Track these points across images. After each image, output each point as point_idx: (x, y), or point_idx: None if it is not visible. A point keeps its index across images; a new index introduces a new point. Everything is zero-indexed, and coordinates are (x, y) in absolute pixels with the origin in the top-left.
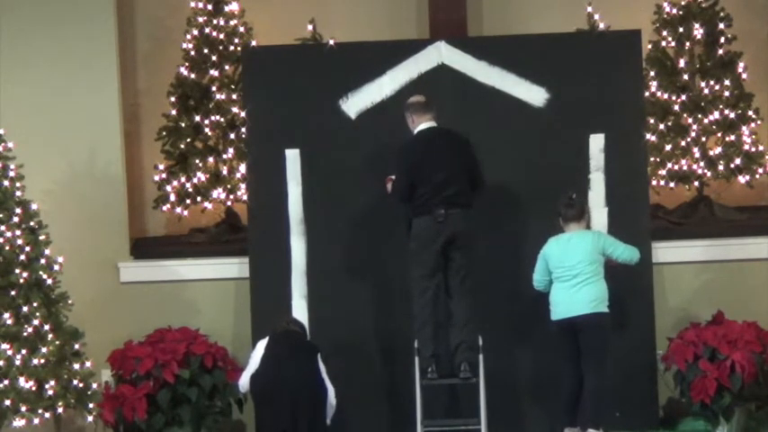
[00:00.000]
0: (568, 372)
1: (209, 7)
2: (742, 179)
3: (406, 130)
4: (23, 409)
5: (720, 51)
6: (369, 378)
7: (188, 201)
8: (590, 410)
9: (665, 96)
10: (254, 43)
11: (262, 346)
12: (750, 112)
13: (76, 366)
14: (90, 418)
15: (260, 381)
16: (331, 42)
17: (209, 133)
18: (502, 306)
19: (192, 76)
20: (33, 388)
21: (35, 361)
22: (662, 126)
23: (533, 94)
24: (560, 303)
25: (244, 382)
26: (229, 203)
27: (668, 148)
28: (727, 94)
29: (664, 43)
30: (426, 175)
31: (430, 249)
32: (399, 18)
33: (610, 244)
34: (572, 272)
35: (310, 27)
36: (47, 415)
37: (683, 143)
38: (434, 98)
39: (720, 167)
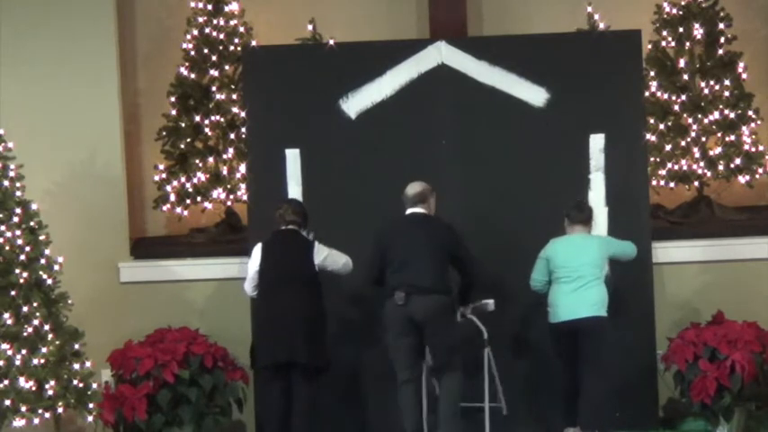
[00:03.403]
0: (567, 372)
1: (209, 7)
2: (742, 179)
3: (406, 130)
4: (23, 409)
5: (720, 51)
6: (368, 376)
7: (188, 201)
8: (590, 414)
9: (665, 96)
10: (254, 43)
11: (257, 254)
12: (750, 112)
13: (76, 366)
14: (90, 418)
15: (258, 310)
16: (331, 42)
17: (209, 133)
18: (502, 306)
19: (192, 76)
20: (33, 388)
21: (35, 361)
22: (662, 126)
23: (533, 94)
24: (562, 306)
25: (248, 288)
26: (229, 203)
27: (668, 148)
28: (727, 94)
29: (664, 43)
30: (392, 258)
31: (397, 337)
32: (399, 18)
33: (615, 247)
34: (576, 274)
35: (310, 27)
36: (47, 415)
37: (683, 143)
38: (434, 98)
39: (720, 167)
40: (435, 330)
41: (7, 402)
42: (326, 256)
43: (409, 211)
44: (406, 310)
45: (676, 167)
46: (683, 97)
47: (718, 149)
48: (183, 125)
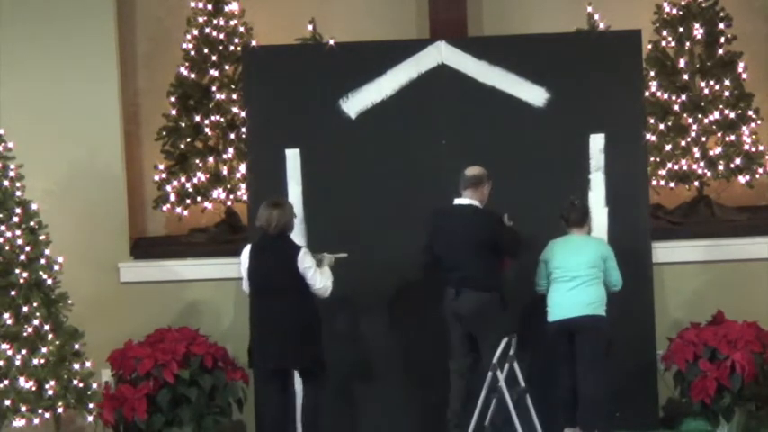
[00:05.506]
0: (565, 373)
1: (209, 7)
2: (742, 179)
3: (406, 130)
4: (23, 409)
5: (720, 51)
6: (368, 378)
7: (188, 201)
8: (589, 415)
9: (665, 96)
10: (254, 43)
11: (245, 257)
12: (750, 112)
13: (76, 366)
14: (90, 418)
15: (250, 314)
16: (331, 42)
17: (209, 133)
18: None
19: (192, 76)
20: (33, 388)
21: (35, 361)
22: (662, 126)
23: (533, 94)
24: (558, 305)
25: (245, 289)
26: (229, 203)
27: (668, 148)
28: (727, 94)
29: (664, 43)
30: (440, 255)
31: (450, 329)
32: (399, 18)
33: (610, 258)
34: (572, 273)
35: (310, 27)
36: (47, 415)
37: (683, 143)
38: (434, 98)
39: (720, 167)
40: (479, 327)
41: (7, 402)
42: (307, 268)
43: (456, 201)
44: (456, 305)
45: (676, 167)
46: (683, 97)
47: (718, 149)
48: (183, 125)
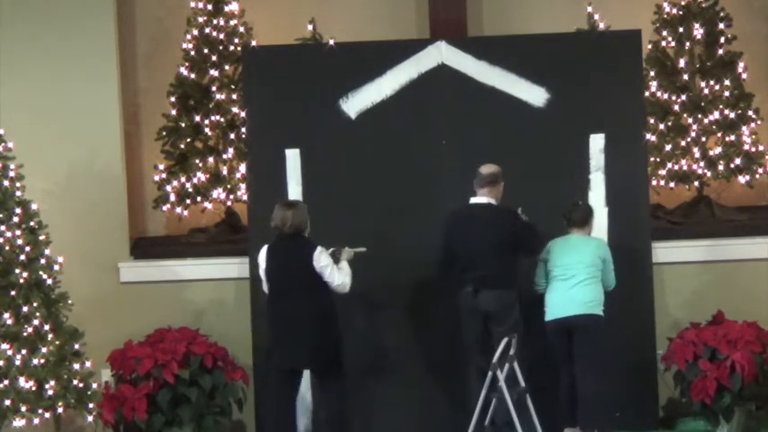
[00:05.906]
0: (565, 372)
1: (209, 7)
2: (742, 179)
3: (406, 130)
4: (23, 409)
5: (720, 51)
6: (368, 379)
7: (188, 201)
8: (588, 414)
9: (665, 96)
10: (254, 43)
11: (263, 258)
12: (750, 112)
13: (76, 366)
14: (90, 418)
15: (267, 314)
16: (331, 42)
17: (209, 133)
18: None
19: (192, 76)
20: (33, 388)
21: (35, 361)
22: (662, 126)
23: (533, 94)
24: (556, 304)
25: (265, 290)
26: (229, 203)
27: (668, 148)
28: (727, 94)
29: (664, 43)
30: (458, 254)
31: (469, 323)
32: (399, 18)
33: (608, 260)
34: (570, 272)
35: (310, 27)
36: (47, 415)
37: (683, 143)
38: (434, 98)
39: (720, 167)
40: (502, 324)
41: (7, 402)
42: (324, 267)
43: (473, 200)
44: (475, 303)
45: (676, 167)
46: (683, 97)
47: (718, 149)
48: (183, 125)
